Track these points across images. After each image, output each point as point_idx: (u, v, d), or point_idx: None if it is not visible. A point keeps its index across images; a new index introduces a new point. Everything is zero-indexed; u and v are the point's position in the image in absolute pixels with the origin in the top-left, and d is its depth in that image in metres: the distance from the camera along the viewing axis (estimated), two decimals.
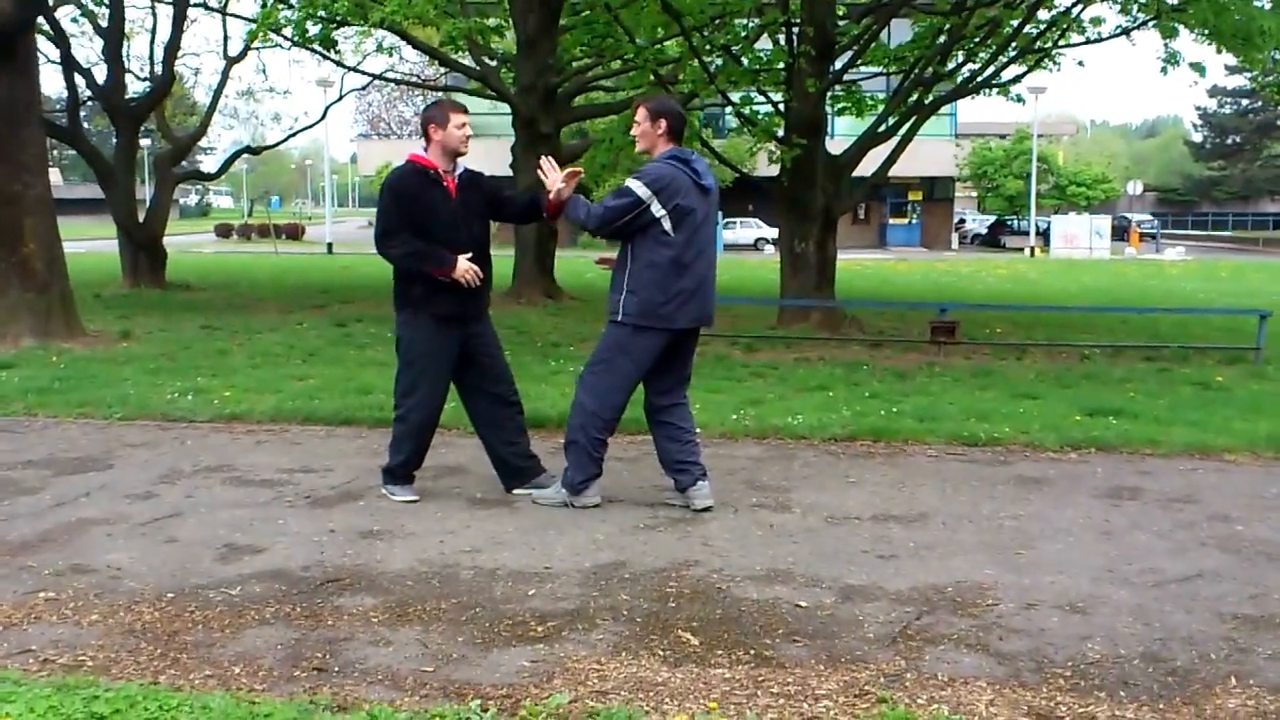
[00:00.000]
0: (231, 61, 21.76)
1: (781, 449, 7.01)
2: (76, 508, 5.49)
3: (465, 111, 5.66)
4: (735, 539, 5.07)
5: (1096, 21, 14.09)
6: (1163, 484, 6.20)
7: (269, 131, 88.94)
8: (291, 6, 14.80)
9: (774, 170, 14.09)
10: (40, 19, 14.55)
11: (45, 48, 18.47)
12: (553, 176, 5.53)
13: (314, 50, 16.34)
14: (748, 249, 44.34)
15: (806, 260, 13.63)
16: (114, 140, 21.21)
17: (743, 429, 7.44)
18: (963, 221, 58.14)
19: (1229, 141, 76.62)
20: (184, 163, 24.24)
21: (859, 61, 14.81)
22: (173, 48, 20.27)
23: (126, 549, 4.83)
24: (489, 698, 3.41)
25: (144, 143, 39.69)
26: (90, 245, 30.85)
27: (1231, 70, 56.57)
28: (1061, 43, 14.64)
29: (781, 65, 13.96)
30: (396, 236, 5.50)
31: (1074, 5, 14.04)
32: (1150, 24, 13.22)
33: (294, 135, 28.42)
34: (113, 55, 19.84)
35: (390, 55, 21.55)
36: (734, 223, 45.79)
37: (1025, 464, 6.66)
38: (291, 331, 12.97)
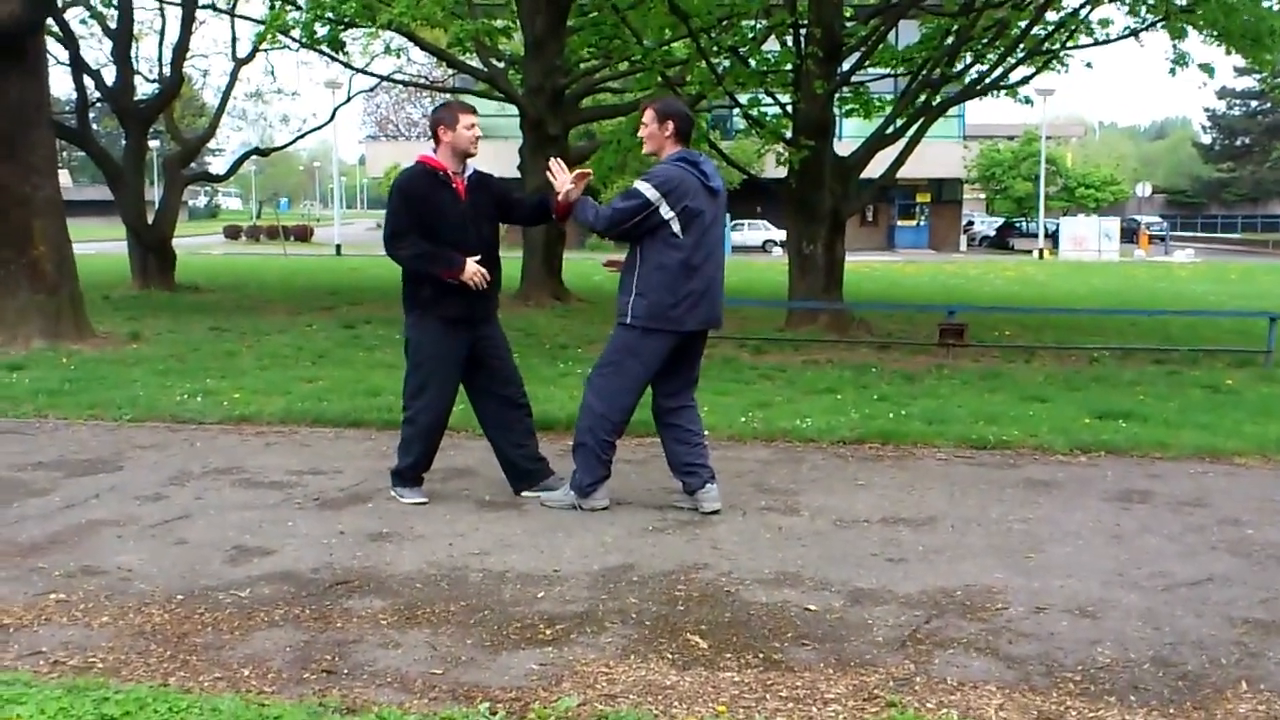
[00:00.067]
0: (240, 63, 21.81)
1: (790, 451, 7.01)
2: (86, 509, 5.50)
3: (474, 113, 5.67)
4: (744, 542, 5.07)
5: (1105, 23, 14.06)
6: (1172, 487, 6.18)
7: (277, 133, 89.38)
8: (300, 8, 14.86)
9: (782, 172, 14.07)
10: (49, 20, 14.61)
11: (54, 49, 18.54)
12: (561, 178, 5.54)
13: (322, 52, 16.42)
14: (756, 251, 44.32)
15: (815, 262, 13.62)
16: (123, 142, 21.27)
17: (751, 431, 7.44)
18: (971, 223, 58.06)
19: (1238, 143, 76.38)
20: (193, 164, 24.30)
21: (867, 63, 14.79)
22: (181, 49, 20.31)
23: (136, 551, 4.84)
24: (498, 700, 3.41)
25: (153, 144, 39.86)
26: (99, 247, 30.91)
27: (1241, 71, 56.52)
28: (1070, 44, 14.62)
29: (789, 67, 13.94)
30: (405, 238, 5.50)
31: (1082, 6, 14.02)
32: (1159, 25, 13.19)
33: (302, 137, 28.44)
34: (122, 57, 19.90)
35: (398, 57, 21.67)
36: (742, 224, 45.75)
37: (1034, 467, 6.65)
38: (300, 333, 13.00)
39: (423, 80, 32.83)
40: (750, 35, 14.51)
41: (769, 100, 14.83)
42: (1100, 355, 11.70)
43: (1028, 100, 16.69)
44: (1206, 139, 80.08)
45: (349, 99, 28.28)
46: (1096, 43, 14.41)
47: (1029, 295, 22.03)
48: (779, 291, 16.94)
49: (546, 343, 12.31)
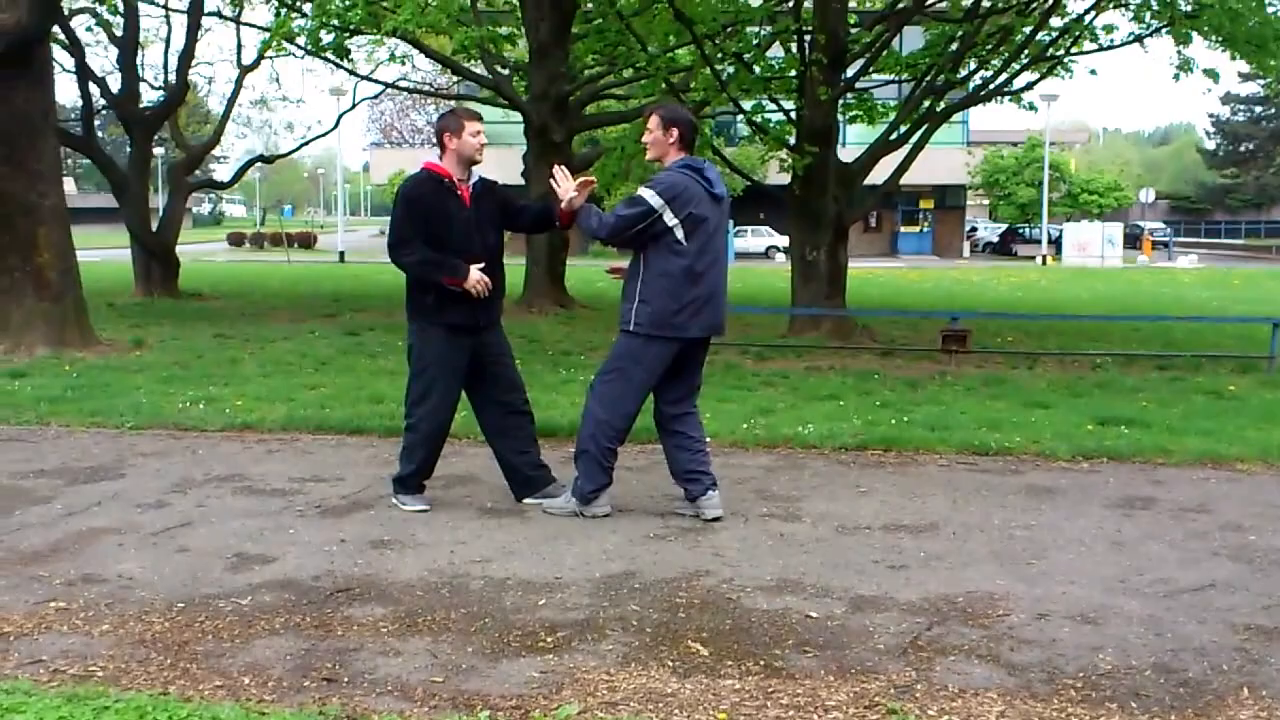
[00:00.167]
0: (245, 70, 21.86)
1: (792, 458, 7.00)
2: (88, 517, 5.50)
3: (480, 120, 5.67)
4: (745, 549, 5.06)
5: (1109, 29, 14.04)
6: (1175, 494, 6.17)
7: (282, 140, 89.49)
8: (305, 15, 14.88)
9: (785, 178, 14.08)
10: (55, 28, 14.64)
11: (60, 57, 18.60)
12: (565, 186, 5.54)
13: (327, 59, 16.44)
14: (759, 257, 44.32)
15: (818, 269, 13.62)
16: (128, 149, 21.32)
17: (753, 438, 7.43)
18: (974, 229, 58.02)
19: (1242, 149, 76.27)
20: (197, 171, 24.38)
21: (871, 69, 14.81)
22: (187, 57, 20.37)
23: (138, 558, 4.84)
24: (498, 709, 3.40)
25: (158, 151, 39.94)
26: (104, 254, 30.98)
27: (1245, 77, 56.46)
28: (1074, 50, 14.61)
29: (793, 73, 13.97)
30: (410, 245, 5.50)
31: (1087, 12, 14.01)
32: (1163, 31, 13.18)
33: (307, 144, 28.84)
34: (127, 64, 19.96)
35: (403, 64, 21.63)
36: (745, 231, 45.74)
37: (1037, 474, 6.64)
38: (303, 340, 13.01)
39: (427, 87, 32.90)
40: (754, 42, 14.51)
41: (773, 106, 14.84)
42: (1103, 361, 11.69)
43: (1031, 106, 16.70)
44: (1211, 145, 80.00)
45: (353, 106, 28.47)
46: (1101, 49, 14.40)
47: (1032, 301, 22.02)
48: (782, 298, 16.94)
49: (549, 349, 12.31)
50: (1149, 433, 7.61)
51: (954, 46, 14.28)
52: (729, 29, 14.30)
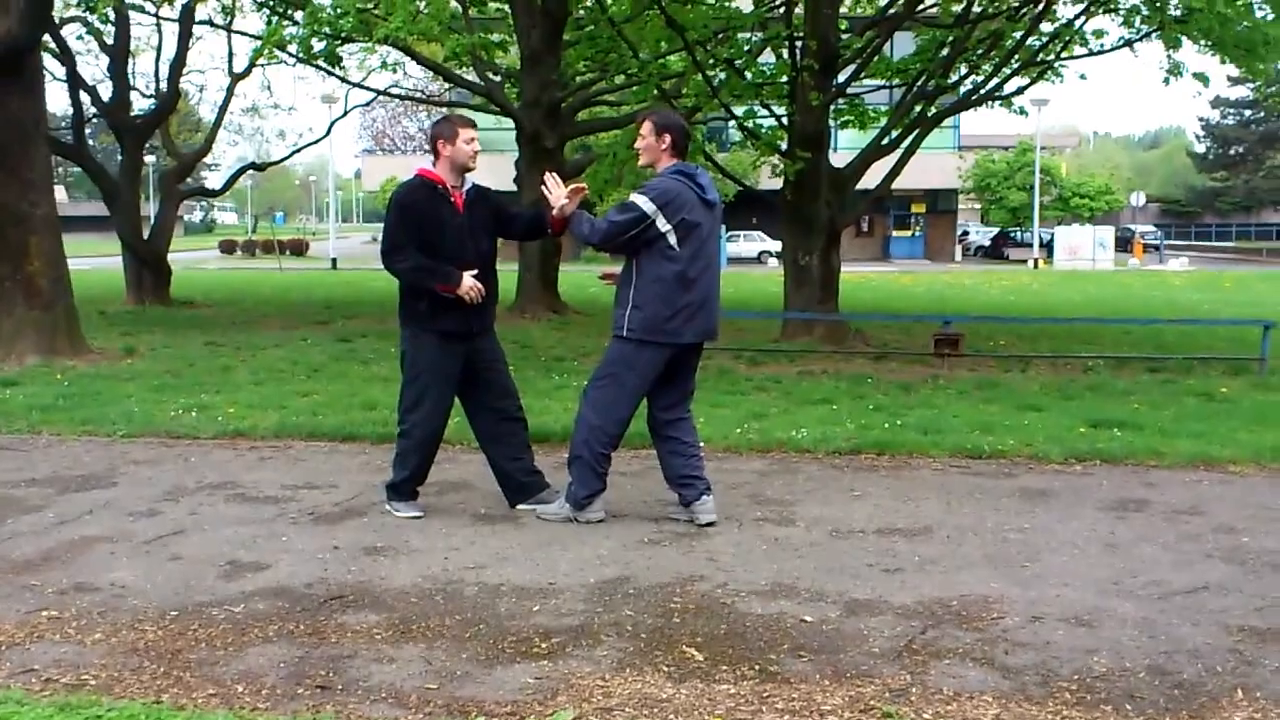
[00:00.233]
0: (236, 78, 21.85)
1: (785, 463, 7.00)
2: (80, 525, 5.49)
3: (474, 127, 5.68)
4: (740, 553, 5.06)
5: (1099, 34, 14.15)
6: (1168, 496, 6.18)
7: (273, 148, 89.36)
8: (296, 23, 14.87)
9: (777, 183, 14.11)
10: (46, 36, 14.62)
11: (51, 65, 18.59)
12: (556, 193, 5.54)
13: (319, 66, 16.44)
14: (751, 262, 44.37)
15: (810, 273, 13.63)
16: (119, 157, 21.29)
17: (747, 443, 7.43)
18: (966, 234, 58.12)
19: (1232, 152, 76.57)
20: (189, 179, 24.32)
21: (862, 74, 14.84)
22: (178, 65, 20.36)
23: (130, 567, 4.82)
24: (493, 715, 3.40)
25: (149, 159, 39.88)
26: (95, 262, 30.92)
27: (1234, 81, 56.53)
28: (1064, 55, 14.66)
29: (785, 79, 13.98)
30: (403, 251, 5.50)
31: (1077, 17, 14.07)
32: (1153, 35, 13.23)
33: (298, 151, 28.59)
34: (118, 72, 19.95)
35: (394, 71, 21.68)
36: (737, 236, 45.82)
37: (1030, 476, 6.64)
38: (295, 347, 12.99)
39: (419, 94, 32.90)
40: (746, 48, 14.55)
41: (764, 112, 14.88)
42: (1095, 364, 11.71)
43: (1022, 111, 16.72)
44: (1200, 148, 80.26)
45: (345, 113, 28.37)
46: (1091, 53, 14.47)
47: (1024, 305, 22.06)
48: (774, 303, 16.94)
49: (542, 355, 12.31)
50: (1141, 435, 7.63)
51: (945, 52, 14.32)
52: (720, 35, 14.32)
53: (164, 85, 21.06)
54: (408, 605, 4.36)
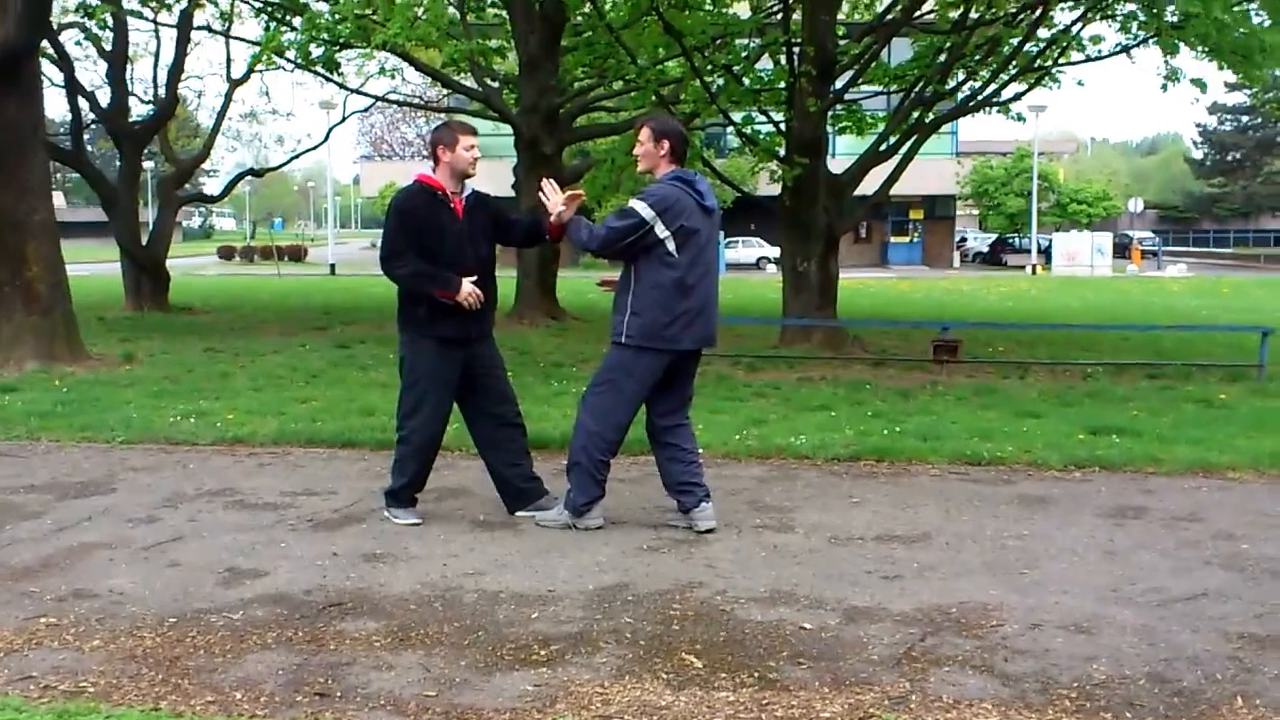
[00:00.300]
0: (235, 84, 21.83)
1: (784, 469, 7.00)
2: (79, 532, 5.48)
3: (474, 133, 5.68)
4: (739, 560, 5.06)
5: (1096, 40, 14.12)
6: (1166, 502, 6.18)
7: (272, 153, 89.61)
8: (295, 29, 14.88)
9: (775, 189, 14.12)
10: (44, 42, 14.62)
11: (49, 71, 18.60)
12: (554, 199, 5.55)
13: (317, 72, 16.44)
14: (750, 268, 44.37)
15: (809, 279, 13.64)
16: (117, 163, 21.29)
17: (746, 449, 7.43)
18: (964, 240, 58.17)
19: (1229, 158, 76.68)
20: (187, 185, 24.35)
21: (860, 80, 14.85)
22: (176, 71, 20.35)
23: (129, 573, 4.82)
24: None
25: (147, 165, 39.89)
26: (93, 268, 30.91)
27: (1232, 87, 56.74)
28: (1061, 61, 14.68)
29: (783, 85, 14.00)
30: (402, 257, 5.51)
31: (1074, 23, 14.09)
32: (1150, 41, 13.25)
33: (297, 157, 28.63)
34: (116, 78, 19.95)
35: (393, 77, 21.66)
36: (736, 242, 45.80)
37: (1029, 483, 6.64)
38: (294, 354, 12.98)
39: (417, 100, 32.88)
40: (744, 54, 14.56)
41: (762, 118, 14.88)
42: (1093, 371, 11.71)
43: (1020, 117, 16.76)
44: (1198, 154, 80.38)
45: (343, 119, 28.54)
46: (1088, 59, 14.48)
47: (1022, 311, 22.07)
48: (773, 309, 16.95)
49: (541, 361, 12.30)
50: (1140, 442, 7.62)
51: (942, 58, 14.33)
52: (718, 41, 14.34)
53: (162, 91, 21.06)
54: (406, 612, 4.35)
